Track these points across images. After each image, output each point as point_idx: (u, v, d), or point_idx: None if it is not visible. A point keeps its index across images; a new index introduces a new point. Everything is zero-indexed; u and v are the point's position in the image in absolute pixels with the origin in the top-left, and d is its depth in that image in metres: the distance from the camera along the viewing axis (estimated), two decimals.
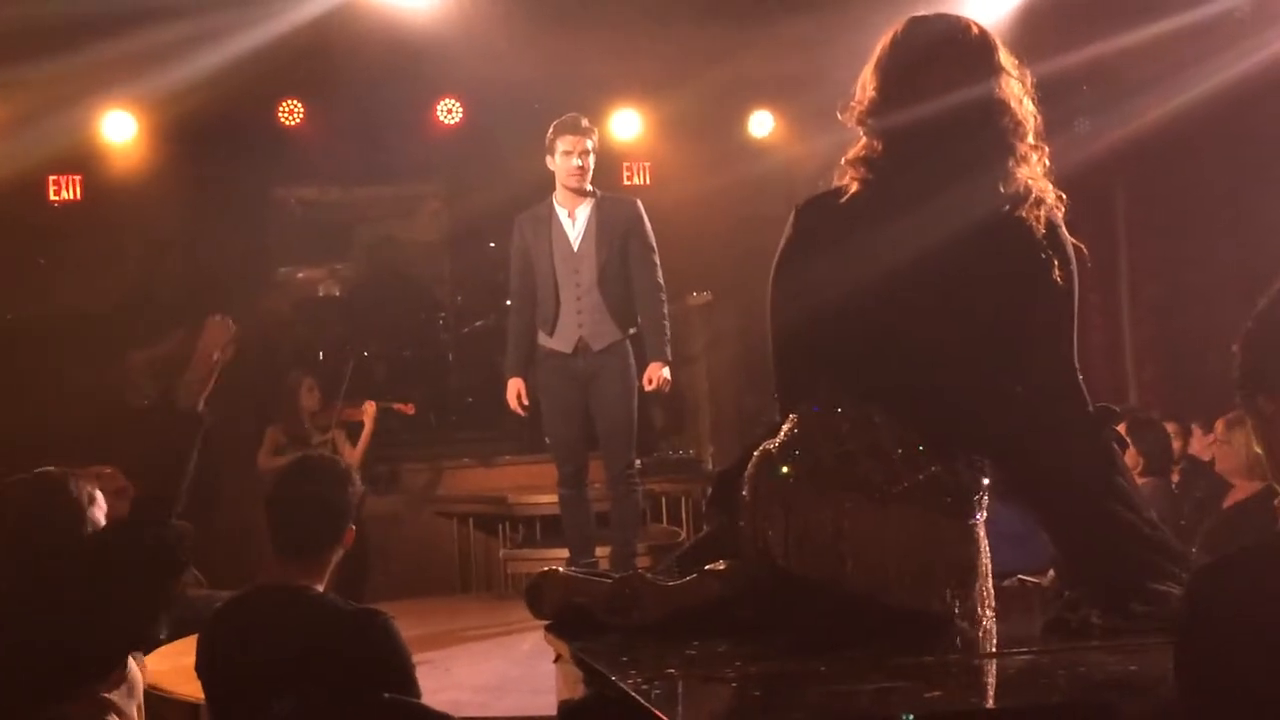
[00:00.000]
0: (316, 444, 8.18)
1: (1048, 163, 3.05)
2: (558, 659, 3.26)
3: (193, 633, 3.83)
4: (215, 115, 8.30)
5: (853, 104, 3.06)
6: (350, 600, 3.62)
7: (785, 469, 2.89)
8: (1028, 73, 3.07)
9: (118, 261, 8.95)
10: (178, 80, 7.81)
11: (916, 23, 3.07)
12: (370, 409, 8.38)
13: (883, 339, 2.94)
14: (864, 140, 3.04)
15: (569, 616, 3.12)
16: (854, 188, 3.01)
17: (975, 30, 3.06)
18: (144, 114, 8.63)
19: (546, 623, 3.23)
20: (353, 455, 8.22)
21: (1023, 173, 2.98)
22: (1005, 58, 3.04)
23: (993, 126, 2.98)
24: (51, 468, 3.77)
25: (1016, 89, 3.02)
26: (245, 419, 8.55)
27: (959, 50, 3.02)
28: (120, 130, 8.70)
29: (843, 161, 3.05)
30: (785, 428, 2.95)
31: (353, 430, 8.49)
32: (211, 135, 8.60)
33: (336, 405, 8.43)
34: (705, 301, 9.14)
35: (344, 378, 8.57)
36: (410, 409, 8.78)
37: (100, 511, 3.77)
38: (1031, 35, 6.20)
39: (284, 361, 9.20)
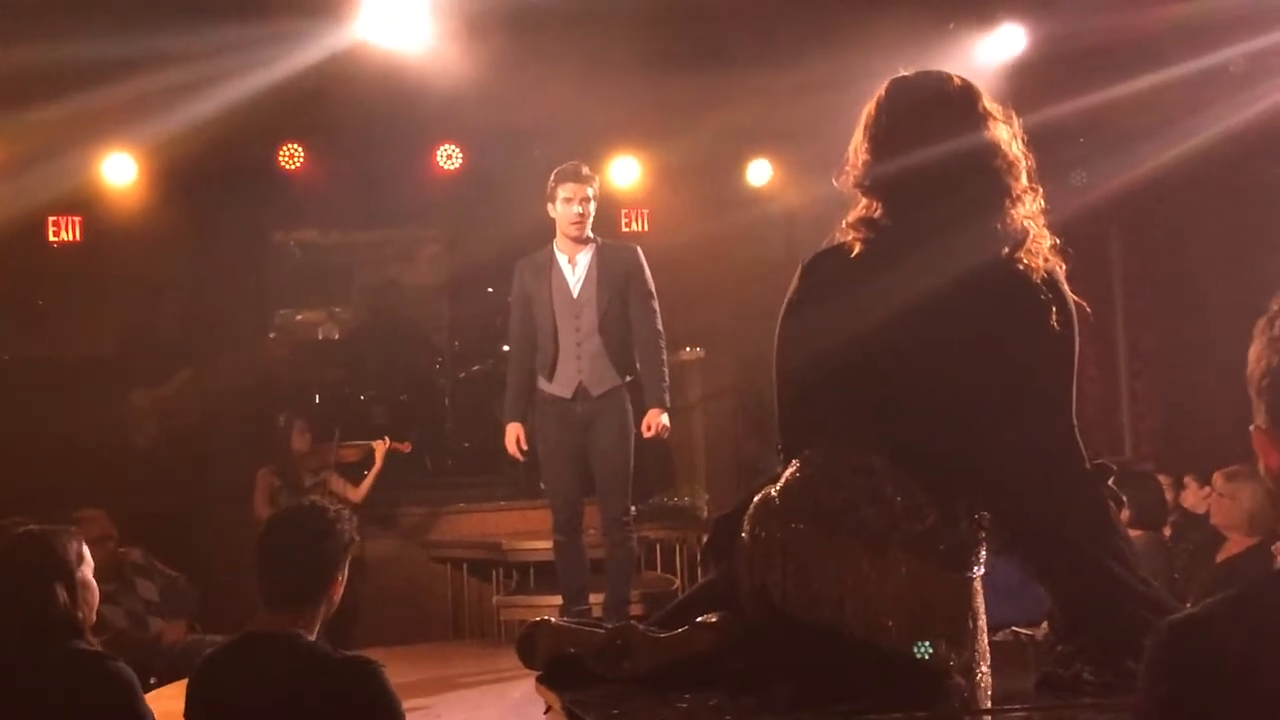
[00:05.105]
0: (309, 486, 8.18)
1: (1043, 203, 3.06)
2: (549, 710, 3.24)
3: (183, 678, 3.81)
4: (216, 159, 8.33)
5: (847, 169, 3.09)
6: (342, 646, 3.61)
7: (785, 512, 2.89)
8: (1014, 116, 3.10)
9: (117, 303, 8.95)
10: (179, 123, 7.82)
11: (899, 83, 3.12)
12: (382, 447, 8.39)
13: (886, 389, 2.94)
14: (863, 202, 3.07)
15: (561, 667, 3.12)
16: (857, 247, 3.03)
17: (957, 81, 3.10)
18: (145, 157, 8.65)
19: (538, 673, 3.22)
20: (355, 494, 8.23)
21: (1019, 213, 2.99)
22: (990, 104, 3.07)
23: (986, 170, 3.00)
24: (33, 526, 3.76)
25: (1005, 133, 3.04)
26: (241, 461, 8.54)
27: (945, 102, 3.05)
28: (121, 173, 8.71)
29: (844, 224, 3.08)
30: (787, 473, 2.95)
31: (347, 471, 8.47)
32: (212, 178, 8.62)
33: (331, 446, 8.42)
34: (698, 357, 9.15)
35: (339, 419, 8.57)
36: (407, 447, 8.77)
37: (89, 569, 3.75)
38: (1026, 88, 6.24)
39: (280, 404, 9.20)
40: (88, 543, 3.85)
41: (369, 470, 8.43)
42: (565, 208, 6.65)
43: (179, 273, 8.97)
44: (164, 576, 6.92)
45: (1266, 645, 1.60)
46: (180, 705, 3.63)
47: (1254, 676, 1.59)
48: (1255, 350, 1.77)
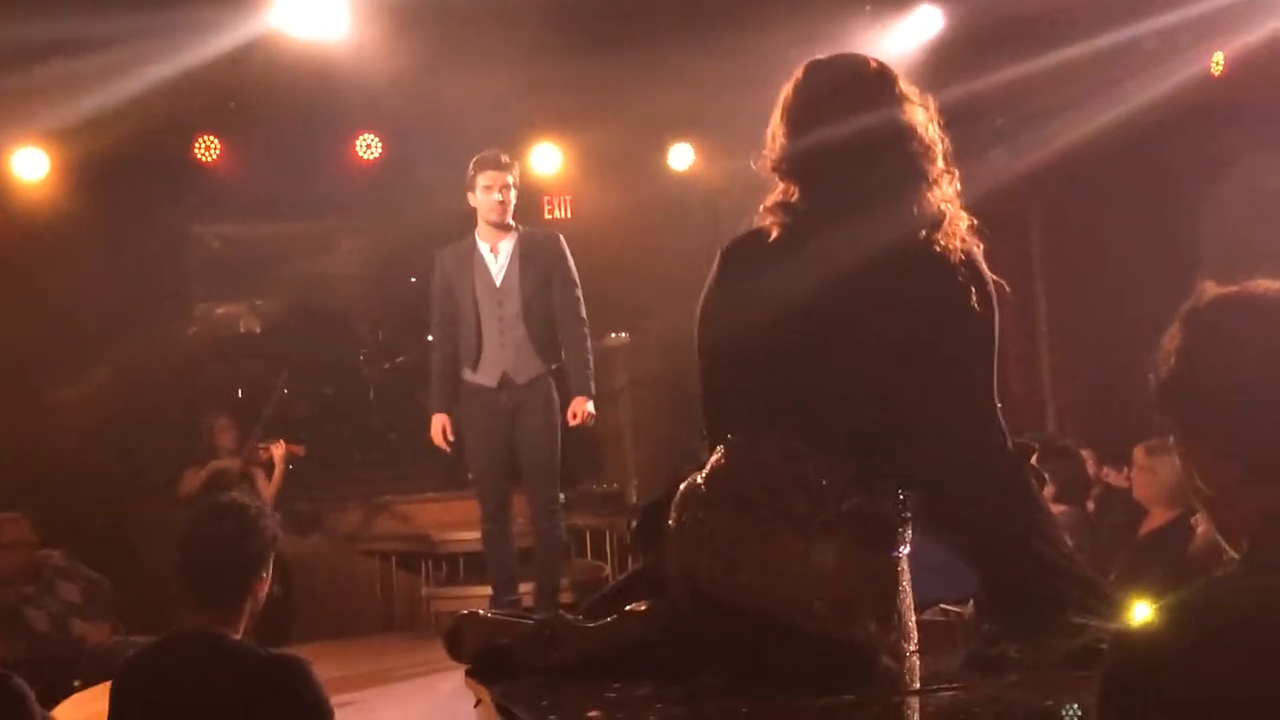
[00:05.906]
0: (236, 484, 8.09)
1: (959, 186, 3.07)
2: (478, 704, 3.23)
3: (106, 680, 3.75)
4: (130, 151, 8.18)
5: (764, 153, 3.09)
6: (272, 641, 3.57)
7: (711, 499, 2.88)
8: (930, 99, 3.11)
9: (33, 300, 8.79)
10: (91, 115, 7.67)
11: (815, 66, 3.12)
12: (279, 450, 8.29)
13: (806, 372, 2.95)
14: (780, 186, 3.06)
15: (489, 659, 3.10)
16: (775, 231, 3.02)
17: (873, 64, 3.11)
18: (56, 150, 8.48)
19: (468, 666, 3.20)
20: (266, 493, 8.12)
21: (935, 196, 3.00)
22: (906, 87, 3.08)
23: (902, 154, 3.01)
24: None
25: (921, 116, 3.05)
26: (162, 458, 8.43)
27: (860, 86, 3.06)
28: (32, 167, 8.54)
29: (762, 208, 3.07)
30: (712, 459, 2.95)
31: (270, 468, 8.40)
32: (127, 171, 8.47)
33: (251, 443, 8.34)
34: (623, 343, 9.14)
35: (261, 415, 8.47)
36: (301, 450, 8.66)
37: None
38: (944, 68, 6.28)
39: (201, 400, 9.09)
40: (1, 546, 3.76)
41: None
42: (485, 196, 6.61)
43: (95, 268, 8.80)
44: (86, 578, 6.81)
45: (1213, 654, 1.59)
46: (104, 707, 3.57)
47: (1202, 686, 1.59)
48: (1167, 351, 1.77)
